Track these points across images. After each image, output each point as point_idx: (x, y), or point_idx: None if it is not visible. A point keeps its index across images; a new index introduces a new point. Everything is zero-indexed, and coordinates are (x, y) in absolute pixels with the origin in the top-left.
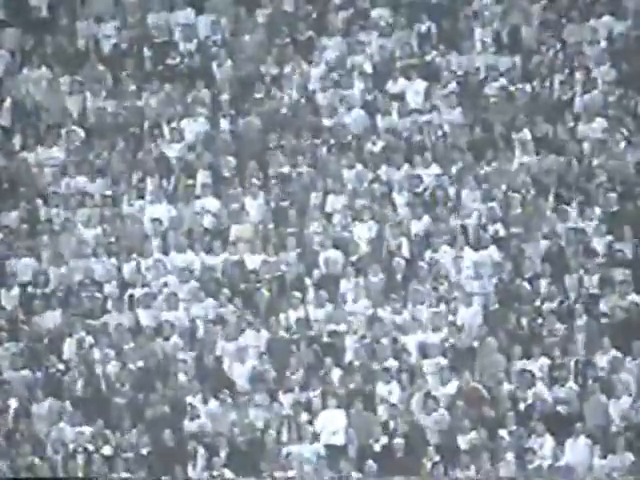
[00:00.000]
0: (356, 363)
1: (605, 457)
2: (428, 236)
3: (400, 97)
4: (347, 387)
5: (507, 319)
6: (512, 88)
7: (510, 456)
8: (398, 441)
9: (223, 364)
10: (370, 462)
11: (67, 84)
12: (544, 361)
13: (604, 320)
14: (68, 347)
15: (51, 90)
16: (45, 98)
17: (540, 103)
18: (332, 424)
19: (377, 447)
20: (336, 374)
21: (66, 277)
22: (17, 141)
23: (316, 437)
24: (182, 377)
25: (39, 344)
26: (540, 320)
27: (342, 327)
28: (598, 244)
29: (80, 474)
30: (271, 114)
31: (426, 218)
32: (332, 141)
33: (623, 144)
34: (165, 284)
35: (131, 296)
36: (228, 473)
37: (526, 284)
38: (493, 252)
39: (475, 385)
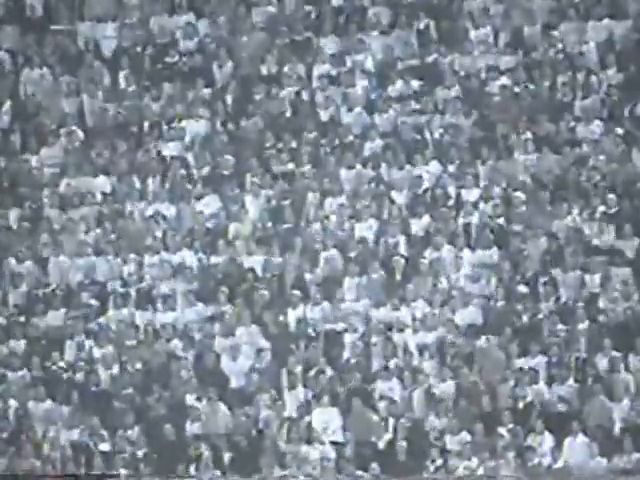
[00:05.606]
0: (355, 362)
1: (604, 456)
2: (428, 235)
3: (400, 97)
4: (346, 386)
5: (507, 318)
6: (515, 88)
7: (509, 454)
8: (399, 440)
9: (222, 364)
10: (370, 462)
11: (67, 84)
12: (543, 359)
13: (604, 319)
14: (69, 348)
15: (51, 90)
16: (45, 98)
17: (541, 103)
18: (331, 423)
19: (378, 446)
20: (335, 373)
21: (66, 277)
22: (17, 141)
23: (315, 436)
24: (181, 377)
25: (40, 344)
26: (540, 319)
27: (341, 326)
28: (598, 243)
29: (80, 474)
30: (271, 114)
31: (426, 218)
32: (332, 141)
33: (623, 144)
34: (165, 284)
35: (130, 295)
36: (228, 473)
37: (526, 283)
38: (493, 251)
39: (475, 383)
